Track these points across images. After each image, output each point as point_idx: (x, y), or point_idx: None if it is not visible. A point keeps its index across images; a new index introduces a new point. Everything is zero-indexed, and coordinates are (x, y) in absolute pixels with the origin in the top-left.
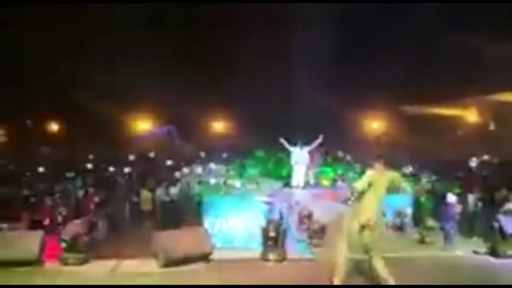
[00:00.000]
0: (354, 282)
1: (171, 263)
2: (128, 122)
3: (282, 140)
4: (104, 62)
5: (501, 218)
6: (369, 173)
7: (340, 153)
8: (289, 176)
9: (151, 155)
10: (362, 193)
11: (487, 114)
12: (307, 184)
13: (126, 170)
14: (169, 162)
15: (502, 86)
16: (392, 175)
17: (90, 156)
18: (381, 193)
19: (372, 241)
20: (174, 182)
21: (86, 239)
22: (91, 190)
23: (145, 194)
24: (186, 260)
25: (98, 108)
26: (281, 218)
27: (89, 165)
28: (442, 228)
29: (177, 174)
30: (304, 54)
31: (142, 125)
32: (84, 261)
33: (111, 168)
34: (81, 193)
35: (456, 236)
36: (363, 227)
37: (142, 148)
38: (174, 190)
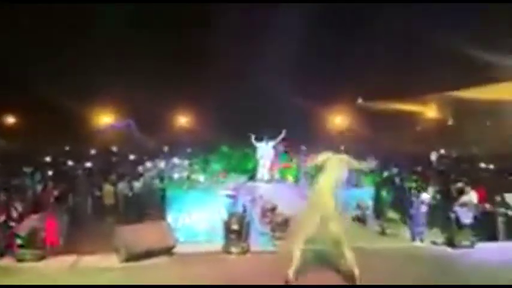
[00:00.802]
0: (314, 273)
1: (132, 257)
2: (89, 115)
3: (252, 138)
4: (64, 55)
5: (457, 209)
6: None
7: (303, 148)
8: (254, 170)
9: (114, 149)
10: (316, 180)
11: (446, 110)
12: (272, 178)
13: (88, 164)
14: (132, 157)
15: (461, 83)
16: (342, 157)
17: (49, 150)
18: (335, 179)
19: (339, 232)
20: (136, 176)
21: (44, 234)
22: (50, 184)
23: (107, 188)
24: (148, 254)
25: (57, 101)
26: (244, 211)
27: (48, 159)
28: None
29: (140, 168)
30: (269, 50)
31: (103, 118)
32: (42, 258)
33: (71, 162)
34: (39, 188)
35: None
36: (325, 218)
37: (103, 142)
38: (137, 184)
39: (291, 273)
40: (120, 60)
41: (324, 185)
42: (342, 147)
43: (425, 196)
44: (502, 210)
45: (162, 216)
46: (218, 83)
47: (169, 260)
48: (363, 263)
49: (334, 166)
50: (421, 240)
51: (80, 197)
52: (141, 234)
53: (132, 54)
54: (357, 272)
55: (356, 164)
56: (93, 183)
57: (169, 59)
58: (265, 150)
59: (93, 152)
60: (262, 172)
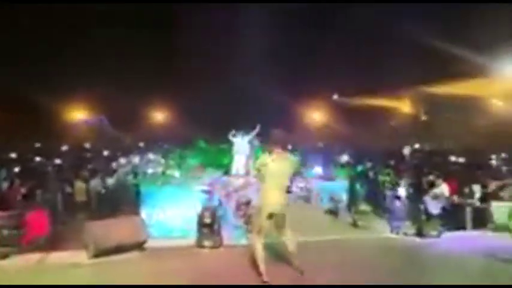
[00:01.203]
0: (275, 266)
1: (101, 252)
2: (60, 111)
3: (231, 134)
4: (34, 49)
5: (427, 200)
6: (263, 158)
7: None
8: (229, 165)
9: (87, 145)
10: (263, 180)
11: (419, 105)
12: (247, 173)
13: (58, 161)
14: (105, 153)
15: (433, 79)
16: (290, 160)
17: (17, 147)
18: (281, 179)
19: (283, 221)
20: (110, 172)
21: (7, 232)
22: (17, 182)
23: (79, 184)
24: (119, 250)
25: (27, 96)
26: (219, 205)
27: (14, 156)
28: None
29: (114, 164)
30: (245, 46)
31: (75, 114)
32: (5, 256)
33: (40, 159)
34: (5, 185)
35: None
36: (270, 215)
37: (75, 138)
38: (110, 180)
39: (261, 268)
40: (94, 55)
41: (271, 190)
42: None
43: (402, 191)
44: (470, 201)
45: (136, 213)
46: (194, 78)
47: (140, 255)
48: (335, 254)
49: (279, 170)
50: (397, 233)
51: (49, 194)
52: (111, 229)
53: (106, 49)
54: (296, 262)
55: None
56: (63, 180)
57: (145, 55)
58: (240, 146)
59: (64, 148)
60: (238, 167)
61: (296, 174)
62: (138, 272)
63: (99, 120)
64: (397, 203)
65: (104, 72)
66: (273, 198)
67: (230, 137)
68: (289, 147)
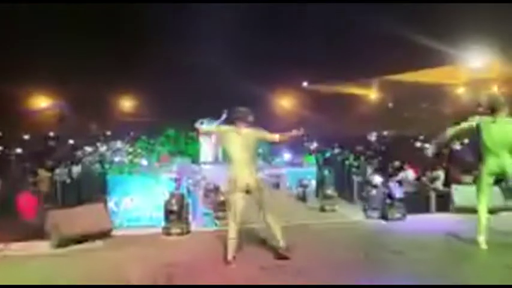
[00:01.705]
0: (251, 250)
1: (64, 242)
2: (25, 98)
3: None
4: None
5: (390, 185)
6: (223, 129)
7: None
8: (198, 152)
9: (51, 133)
10: (229, 158)
11: (386, 93)
12: (215, 160)
13: (19, 150)
14: (70, 141)
15: (400, 67)
16: (253, 131)
17: None
18: (247, 152)
19: (260, 201)
20: (76, 161)
21: None
22: None
23: (43, 174)
24: (83, 239)
25: None
26: (188, 192)
27: None
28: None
29: (79, 153)
30: (214, 32)
31: (37, 101)
32: None
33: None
34: None
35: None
36: (246, 192)
37: (38, 126)
38: (75, 169)
39: (229, 255)
40: (56, 39)
41: (237, 161)
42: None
43: (378, 179)
44: (434, 185)
45: (103, 202)
46: (163, 65)
47: (105, 243)
48: (304, 237)
49: (244, 143)
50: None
51: (9, 183)
52: (75, 218)
53: (69, 33)
54: (282, 243)
55: (268, 136)
56: (25, 170)
57: (112, 41)
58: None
59: (26, 137)
60: (206, 154)
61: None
62: (102, 260)
63: (60, 107)
64: (374, 192)
65: (67, 59)
66: (241, 171)
67: (197, 126)
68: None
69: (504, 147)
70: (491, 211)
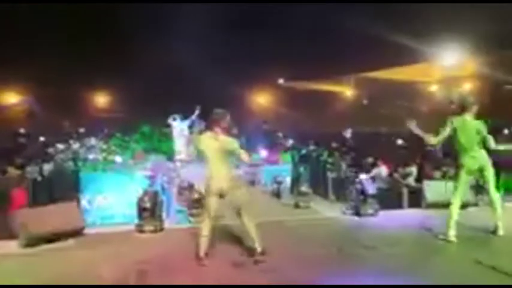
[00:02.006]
0: (224, 248)
1: (34, 241)
2: None
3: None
4: None
5: (363, 181)
6: (199, 137)
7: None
8: (173, 150)
9: (21, 130)
10: (205, 160)
11: (361, 90)
12: (190, 157)
13: None
14: (42, 138)
15: (375, 64)
16: (229, 143)
17: None
18: (221, 158)
19: (235, 200)
20: (47, 158)
21: None
22: None
23: (12, 172)
24: (53, 238)
25: None
26: (162, 190)
27: None
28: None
29: (51, 150)
30: (189, 29)
31: (6, 97)
32: None
33: None
34: None
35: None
36: (220, 195)
37: (7, 122)
38: (47, 167)
39: (201, 251)
40: (27, 33)
41: (214, 170)
42: (265, 126)
43: (363, 177)
44: (406, 181)
45: (76, 200)
46: (138, 61)
47: (76, 242)
48: (277, 234)
49: (218, 150)
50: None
51: None
52: (44, 217)
53: (44, 29)
54: (258, 248)
55: (239, 152)
56: None
57: (85, 37)
58: (180, 130)
59: None
60: (180, 151)
61: (236, 157)
62: (73, 259)
63: (29, 102)
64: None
65: (38, 54)
66: (216, 174)
67: (170, 122)
68: (235, 131)
69: (475, 143)
70: (461, 206)
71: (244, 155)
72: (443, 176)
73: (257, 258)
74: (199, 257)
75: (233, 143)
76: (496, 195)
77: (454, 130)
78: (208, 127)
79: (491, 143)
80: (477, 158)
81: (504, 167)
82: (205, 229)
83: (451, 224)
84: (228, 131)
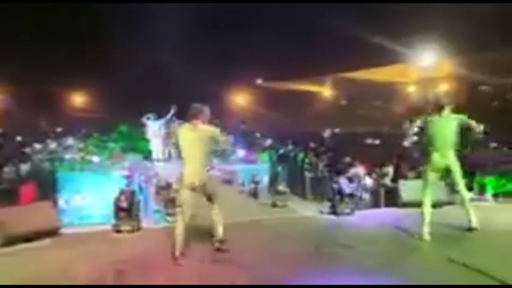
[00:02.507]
0: (197, 246)
1: (9, 240)
2: None
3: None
4: None
5: (340, 180)
6: (177, 130)
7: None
8: (150, 149)
9: None
10: (180, 155)
11: (339, 90)
12: (168, 157)
13: None
14: (18, 138)
15: (353, 65)
16: (209, 130)
17: None
18: (197, 149)
19: (207, 189)
20: (24, 158)
21: None
22: None
23: None
24: (29, 237)
25: None
26: (140, 189)
27: None
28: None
29: (28, 150)
30: (167, 30)
31: None
32: None
33: None
34: None
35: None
36: (192, 189)
37: None
38: (24, 167)
39: (177, 251)
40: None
41: (187, 158)
42: (243, 126)
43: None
44: (383, 181)
45: (52, 200)
46: (115, 60)
47: (53, 242)
48: (254, 232)
49: (195, 141)
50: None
51: None
52: (20, 216)
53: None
54: (220, 235)
55: (223, 139)
56: None
57: (62, 37)
58: (155, 129)
59: None
60: (157, 151)
61: (221, 146)
62: (49, 259)
63: (4, 102)
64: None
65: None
66: (190, 169)
67: (144, 121)
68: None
69: (447, 144)
70: (436, 205)
71: (224, 139)
72: (418, 176)
73: (219, 246)
74: (175, 256)
75: (213, 130)
76: (466, 195)
77: (426, 128)
78: (187, 121)
79: (479, 127)
80: (446, 157)
81: (478, 167)
82: (179, 228)
83: (425, 222)
84: (208, 124)
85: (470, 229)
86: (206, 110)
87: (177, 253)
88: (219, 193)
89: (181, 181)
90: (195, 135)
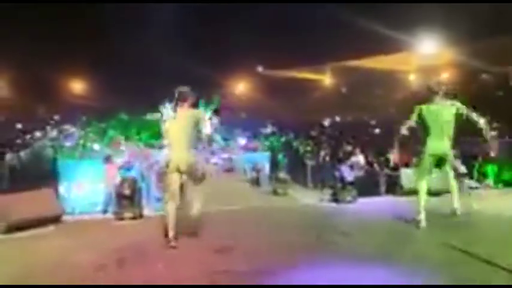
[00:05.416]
0: (202, 232)
1: (13, 228)
2: None
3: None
4: None
5: (342, 168)
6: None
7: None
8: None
9: None
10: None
11: (340, 78)
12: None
13: None
14: (19, 126)
15: (354, 53)
16: (194, 113)
17: None
18: (181, 134)
19: (195, 172)
20: (25, 145)
21: None
22: None
23: None
24: (32, 224)
25: None
26: (142, 177)
27: None
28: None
29: (29, 137)
30: (167, 17)
31: None
32: None
33: None
34: None
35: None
36: (179, 172)
37: None
38: (25, 154)
39: (170, 232)
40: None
41: (173, 142)
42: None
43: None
44: (384, 169)
45: (53, 187)
46: (116, 50)
47: (56, 229)
48: (255, 220)
49: (178, 123)
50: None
51: None
52: (23, 203)
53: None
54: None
55: (201, 119)
56: None
57: (61, 23)
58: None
59: None
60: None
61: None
62: (51, 246)
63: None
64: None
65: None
66: (176, 152)
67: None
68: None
69: (443, 130)
70: (437, 193)
71: (206, 124)
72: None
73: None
74: (168, 239)
75: (198, 112)
76: (455, 184)
77: (424, 117)
78: (177, 104)
79: (480, 120)
80: (443, 145)
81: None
82: (171, 211)
83: (420, 208)
84: (194, 106)
85: (453, 213)
86: (192, 94)
87: (170, 235)
88: (205, 177)
89: (168, 165)
90: (181, 118)
